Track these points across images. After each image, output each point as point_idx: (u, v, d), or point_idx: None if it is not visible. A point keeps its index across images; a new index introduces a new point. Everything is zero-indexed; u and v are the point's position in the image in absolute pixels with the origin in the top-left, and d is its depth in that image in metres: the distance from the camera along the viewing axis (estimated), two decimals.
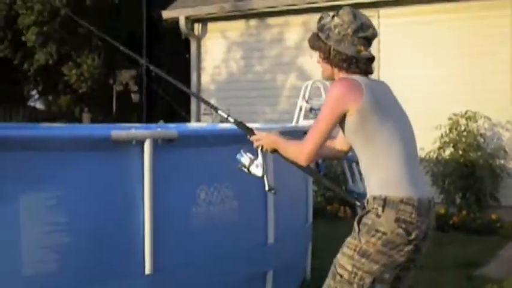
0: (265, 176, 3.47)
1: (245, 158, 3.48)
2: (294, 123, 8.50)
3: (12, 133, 4.20)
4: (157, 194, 4.07)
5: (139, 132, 4.15)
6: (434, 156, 9.51)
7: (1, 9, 21.20)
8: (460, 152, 9.37)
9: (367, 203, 3.11)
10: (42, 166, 3.70)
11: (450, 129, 9.55)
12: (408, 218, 3.01)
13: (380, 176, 3.11)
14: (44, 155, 3.70)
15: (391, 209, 3.01)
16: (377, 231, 3.02)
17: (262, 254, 5.11)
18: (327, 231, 8.19)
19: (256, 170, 3.45)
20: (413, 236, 3.02)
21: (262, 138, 3.48)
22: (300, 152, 3.19)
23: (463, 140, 9.41)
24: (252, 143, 3.52)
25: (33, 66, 21.76)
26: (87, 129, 7.99)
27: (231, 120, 3.71)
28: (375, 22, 9.67)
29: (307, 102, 8.56)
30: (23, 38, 20.81)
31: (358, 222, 3.09)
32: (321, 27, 3.28)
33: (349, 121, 3.12)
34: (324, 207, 9.64)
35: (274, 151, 3.43)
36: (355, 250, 3.06)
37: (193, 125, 8.98)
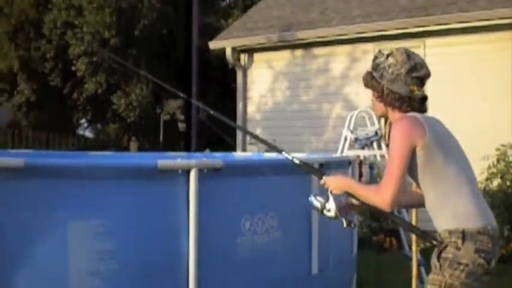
0: (339, 217, 3.45)
1: (317, 202, 3.47)
2: (338, 153, 8.48)
3: (62, 162, 4.29)
4: (203, 223, 4.10)
5: (185, 161, 4.19)
6: (482, 187, 9.37)
7: (52, 40, 21.68)
8: (508, 183, 9.24)
9: (442, 237, 3.14)
10: (90, 194, 3.77)
11: (498, 160, 9.43)
12: (486, 247, 3.08)
13: (453, 212, 3.14)
14: (92, 184, 3.77)
15: (470, 241, 3.06)
16: (459, 263, 3.06)
17: (307, 285, 5.09)
18: (372, 262, 8.13)
19: (329, 212, 3.45)
20: (492, 264, 3.10)
21: (330, 180, 3.43)
22: (382, 199, 3.12)
23: (511, 171, 9.27)
24: (322, 186, 3.48)
25: (83, 95, 22.18)
26: (134, 158, 8.09)
27: (296, 162, 3.65)
28: (420, 52, 9.71)
29: (352, 132, 8.53)
30: (73, 68, 21.25)
31: (438, 258, 3.12)
32: (375, 66, 3.32)
33: (418, 157, 3.13)
34: (369, 238, 9.57)
35: (346, 192, 3.39)
36: (440, 286, 3.09)
37: (239, 154, 9.02)
